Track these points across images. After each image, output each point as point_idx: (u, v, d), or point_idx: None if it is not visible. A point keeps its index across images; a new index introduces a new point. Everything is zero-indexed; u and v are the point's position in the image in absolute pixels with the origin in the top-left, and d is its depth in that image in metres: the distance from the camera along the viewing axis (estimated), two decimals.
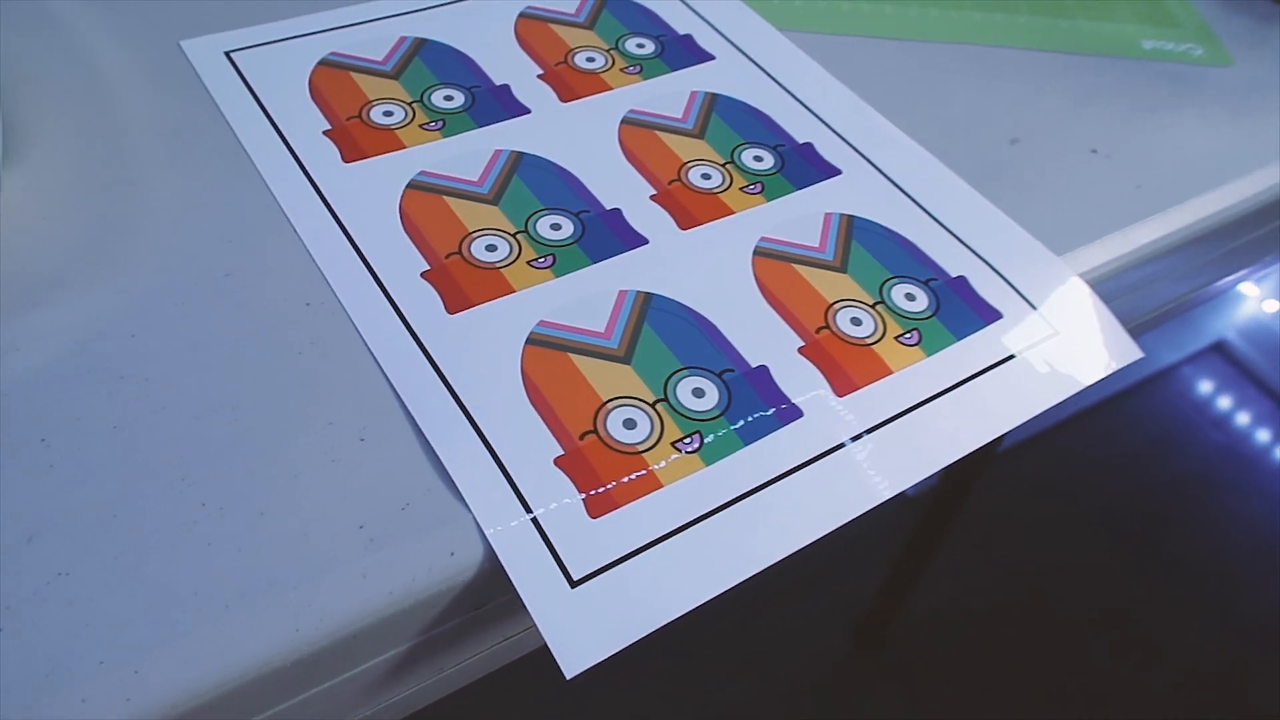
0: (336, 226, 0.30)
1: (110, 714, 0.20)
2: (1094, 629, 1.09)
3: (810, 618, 1.07)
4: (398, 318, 0.28)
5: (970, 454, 0.27)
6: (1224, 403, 1.45)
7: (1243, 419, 1.43)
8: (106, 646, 0.21)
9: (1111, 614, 1.11)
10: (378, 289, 0.28)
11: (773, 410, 0.27)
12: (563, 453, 0.25)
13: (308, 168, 0.31)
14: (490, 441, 0.25)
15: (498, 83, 0.35)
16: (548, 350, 0.27)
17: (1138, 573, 1.16)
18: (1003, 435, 0.28)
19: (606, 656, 0.22)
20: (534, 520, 0.24)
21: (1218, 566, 1.18)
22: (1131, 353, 0.31)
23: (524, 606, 0.23)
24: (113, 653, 0.21)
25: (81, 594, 0.22)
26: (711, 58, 0.38)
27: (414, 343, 0.27)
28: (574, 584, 0.23)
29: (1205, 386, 1.48)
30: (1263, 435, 1.42)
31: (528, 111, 0.35)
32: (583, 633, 0.22)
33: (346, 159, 0.32)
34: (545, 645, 0.22)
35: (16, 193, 0.30)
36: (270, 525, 0.23)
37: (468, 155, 0.33)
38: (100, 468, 0.24)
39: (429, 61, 0.36)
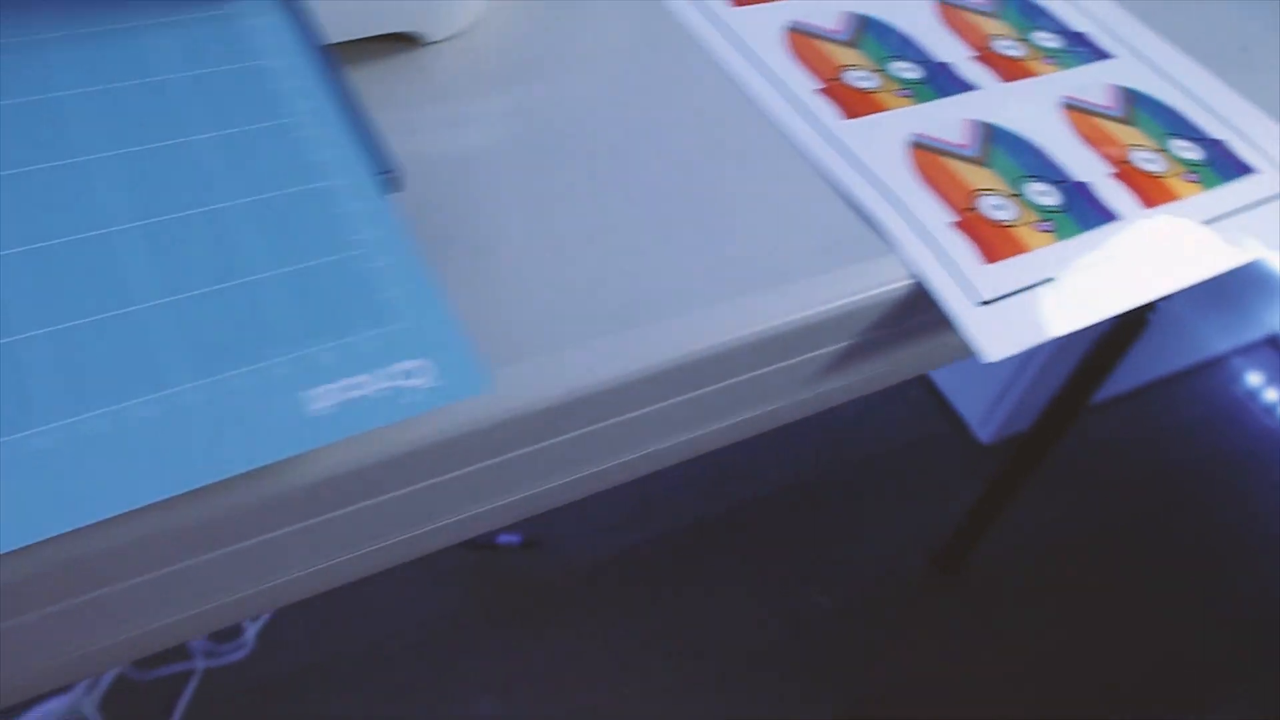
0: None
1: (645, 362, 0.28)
2: (1155, 574, 1.17)
3: (893, 541, 1.15)
4: (804, 122, 0.35)
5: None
6: (1272, 395, 1.53)
7: None
8: (669, 300, 0.29)
9: (1167, 563, 1.19)
10: (785, 100, 0.36)
11: (1097, 212, 0.35)
12: (957, 219, 0.33)
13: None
14: (905, 203, 0.33)
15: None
16: (927, 152, 0.35)
17: (1191, 530, 1.23)
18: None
19: (1018, 351, 0.30)
20: (943, 256, 0.32)
21: (1271, 529, 1.26)
22: None
23: (946, 316, 0.30)
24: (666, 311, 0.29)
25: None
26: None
27: (825, 141, 0.35)
28: (983, 304, 0.31)
29: (1255, 378, 1.55)
30: None
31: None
32: (992, 335, 0.30)
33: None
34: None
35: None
36: (749, 238, 0.31)
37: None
38: (600, 199, 0.32)
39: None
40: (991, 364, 1.27)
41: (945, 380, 1.29)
